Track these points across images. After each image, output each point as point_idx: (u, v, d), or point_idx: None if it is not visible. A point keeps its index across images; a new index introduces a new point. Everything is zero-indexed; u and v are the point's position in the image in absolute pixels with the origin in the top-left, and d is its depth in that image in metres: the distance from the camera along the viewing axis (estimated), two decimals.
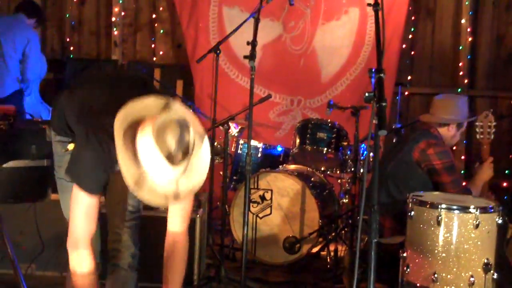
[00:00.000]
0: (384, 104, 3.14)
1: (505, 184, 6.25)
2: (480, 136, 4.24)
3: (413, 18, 6.55)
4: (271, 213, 4.91)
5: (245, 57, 3.83)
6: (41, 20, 6.01)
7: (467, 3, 6.46)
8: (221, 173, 5.02)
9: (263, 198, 4.93)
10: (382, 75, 3.21)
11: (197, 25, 6.41)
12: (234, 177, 5.34)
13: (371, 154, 5.15)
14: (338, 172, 5.37)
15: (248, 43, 3.88)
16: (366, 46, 6.32)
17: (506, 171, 6.39)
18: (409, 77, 6.56)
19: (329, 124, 5.24)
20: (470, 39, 6.52)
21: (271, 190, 4.92)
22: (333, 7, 6.32)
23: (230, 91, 6.25)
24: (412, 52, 6.55)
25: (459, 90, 6.46)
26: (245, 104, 5.91)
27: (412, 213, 3.49)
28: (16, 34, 5.66)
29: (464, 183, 4.26)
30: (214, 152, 5.11)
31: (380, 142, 2.54)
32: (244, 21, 4.69)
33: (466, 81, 6.51)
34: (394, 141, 5.31)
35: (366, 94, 3.28)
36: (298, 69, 6.42)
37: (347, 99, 6.18)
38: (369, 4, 3.32)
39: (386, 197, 4.15)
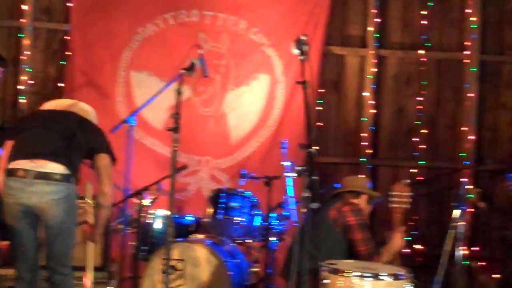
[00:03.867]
0: (316, 178, 3.48)
1: (406, 250, 6.72)
2: (394, 204, 4.49)
3: (321, 91, 6.91)
4: (183, 283, 5.02)
5: (169, 129, 4.09)
6: None
7: (370, 76, 6.95)
8: (131, 243, 5.16)
9: (175, 268, 5.02)
10: (313, 150, 3.56)
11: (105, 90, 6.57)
12: (144, 248, 5.45)
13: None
14: (249, 240, 5.59)
15: (171, 116, 4.13)
16: (276, 110, 6.65)
17: (407, 238, 6.84)
18: (316, 147, 6.93)
19: (241, 193, 5.53)
20: (372, 111, 6.97)
21: (184, 260, 5.04)
22: (242, 74, 6.64)
23: (139, 157, 6.37)
24: (319, 123, 6.86)
25: (363, 159, 6.89)
26: (153, 167, 6.13)
27: (326, 281, 3.76)
28: None
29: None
30: (126, 222, 5.24)
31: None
32: (160, 92, 4.97)
33: (369, 151, 6.94)
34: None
35: (297, 168, 3.63)
36: (208, 130, 6.62)
37: (257, 163, 6.51)
38: (297, 82, 3.70)
39: (312, 263, 4.36)
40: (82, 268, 4.53)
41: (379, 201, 4.98)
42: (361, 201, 4.78)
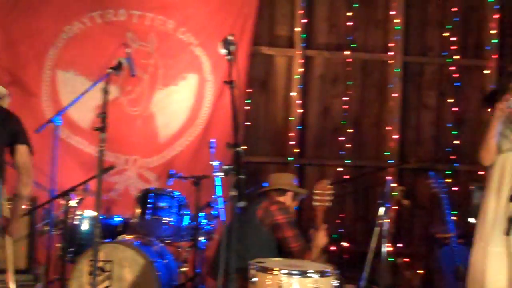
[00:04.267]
0: (243, 176, 3.53)
1: (333, 248, 6.88)
2: (317, 203, 4.59)
3: (249, 90, 6.99)
4: (111, 285, 5.00)
5: (96, 129, 4.06)
6: None
7: (297, 77, 7.06)
8: (58, 245, 5.10)
9: (102, 269, 5.00)
10: (240, 149, 3.61)
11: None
12: (71, 249, 5.40)
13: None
14: (177, 240, 5.62)
15: (98, 116, 4.11)
16: (204, 109, 6.67)
17: (333, 236, 7.00)
18: (244, 147, 6.98)
19: (169, 193, 5.55)
20: (299, 110, 7.07)
21: (111, 262, 5.03)
22: (171, 73, 6.63)
23: (65, 157, 6.30)
24: (247, 123, 6.92)
25: (290, 159, 7.00)
26: (80, 167, 6.06)
27: (254, 279, 3.83)
28: None
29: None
30: (52, 224, 5.17)
31: None
32: (86, 91, 4.93)
33: (296, 150, 7.04)
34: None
35: (224, 167, 3.67)
36: (135, 129, 6.59)
37: (186, 161, 6.53)
38: (225, 82, 3.75)
39: (239, 262, 4.40)
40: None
41: (304, 197, 5.08)
42: (287, 198, 4.86)
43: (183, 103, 6.67)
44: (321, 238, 4.58)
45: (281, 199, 4.85)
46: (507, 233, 3.75)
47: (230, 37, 3.80)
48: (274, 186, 4.91)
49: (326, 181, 4.67)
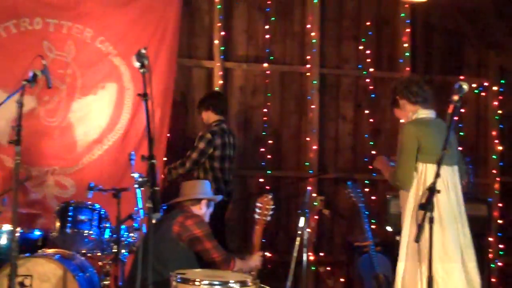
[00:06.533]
0: (157, 188, 3.58)
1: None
2: (258, 216, 4.72)
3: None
4: None
5: (10, 142, 3.99)
6: None
7: (217, 88, 7.10)
8: None
9: (22, 285, 4.90)
10: (154, 161, 3.66)
11: None
12: None
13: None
14: (99, 253, 5.55)
15: (12, 128, 4.05)
16: (124, 115, 6.59)
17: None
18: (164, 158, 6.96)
19: (90, 206, 5.49)
20: None
21: (31, 276, 4.93)
22: (89, 84, 6.53)
23: None
24: (168, 134, 6.76)
25: None
26: (2, 183, 5.92)
27: None
28: None
29: None
30: None
31: None
32: (1, 103, 4.82)
33: None
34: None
35: (139, 179, 3.71)
36: (53, 140, 6.46)
37: (104, 166, 6.47)
38: (139, 95, 3.77)
39: (156, 276, 4.31)
40: None
41: (218, 201, 5.11)
42: (202, 206, 4.84)
43: (103, 111, 6.58)
44: (255, 261, 4.69)
45: (195, 208, 4.82)
46: (416, 240, 3.87)
47: (143, 50, 3.85)
48: (187, 196, 4.88)
49: (268, 195, 4.76)
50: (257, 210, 4.73)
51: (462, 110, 7.33)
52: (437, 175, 3.93)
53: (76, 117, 6.52)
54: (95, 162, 6.53)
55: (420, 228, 3.83)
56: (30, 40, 6.35)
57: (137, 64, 3.83)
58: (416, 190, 4.42)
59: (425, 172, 4.41)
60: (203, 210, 4.87)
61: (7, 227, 5.34)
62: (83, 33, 6.52)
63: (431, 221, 3.82)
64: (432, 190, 3.87)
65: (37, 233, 5.60)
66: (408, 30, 7.59)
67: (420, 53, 7.72)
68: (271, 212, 4.75)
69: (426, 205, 3.83)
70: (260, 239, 4.76)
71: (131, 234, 5.56)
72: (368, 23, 7.62)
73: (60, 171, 6.48)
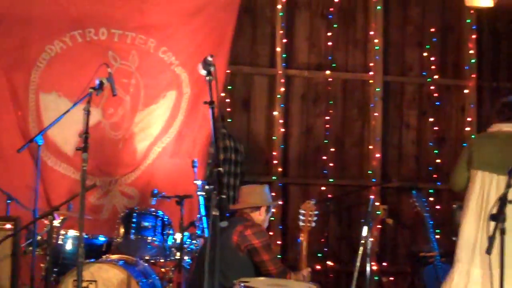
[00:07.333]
0: (224, 197, 3.55)
1: (318, 267, 6.92)
2: (302, 223, 4.67)
3: (229, 109, 7.05)
4: None
5: (78, 149, 4.07)
6: None
7: (279, 96, 7.13)
8: (42, 265, 5.07)
9: None
10: (221, 169, 3.66)
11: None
12: (55, 269, 5.35)
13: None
14: (162, 260, 5.60)
15: (80, 135, 4.11)
16: (179, 117, 6.66)
17: (318, 254, 7.05)
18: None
19: (153, 213, 5.54)
20: (282, 130, 7.12)
21: (96, 281, 4.99)
22: (152, 94, 6.61)
23: (48, 180, 6.29)
24: None
25: (273, 178, 7.04)
26: (67, 193, 6.05)
27: None
28: None
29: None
30: (35, 244, 5.13)
31: None
32: (68, 111, 4.92)
33: (279, 169, 7.09)
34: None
35: (206, 187, 3.69)
36: (117, 152, 6.56)
37: (160, 168, 6.54)
38: (205, 102, 3.76)
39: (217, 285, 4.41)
40: None
41: (276, 205, 5.07)
42: (261, 213, 4.80)
43: (160, 117, 6.65)
44: (305, 277, 4.58)
45: (255, 215, 4.78)
46: (488, 252, 3.77)
47: (209, 58, 3.81)
48: (247, 204, 4.83)
49: (311, 202, 4.72)
50: (301, 217, 4.68)
51: None
52: (509, 185, 3.84)
53: (138, 128, 6.61)
54: (151, 166, 6.59)
55: (491, 239, 3.73)
56: (95, 49, 6.45)
57: (203, 72, 3.81)
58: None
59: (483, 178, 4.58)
60: (262, 216, 4.82)
61: (72, 232, 5.44)
62: (147, 43, 6.60)
63: (503, 232, 3.72)
64: (503, 201, 3.77)
65: (102, 239, 5.67)
66: (474, 36, 7.44)
67: (486, 60, 7.56)
68: (315, 218, 4.69)
69: (498, 216, 3.73)
70: (307, 251, 4.68)
71: (194, 241, 5.59)
72: (432, 30, 7.51)
73: (122, 181, 6.59)
